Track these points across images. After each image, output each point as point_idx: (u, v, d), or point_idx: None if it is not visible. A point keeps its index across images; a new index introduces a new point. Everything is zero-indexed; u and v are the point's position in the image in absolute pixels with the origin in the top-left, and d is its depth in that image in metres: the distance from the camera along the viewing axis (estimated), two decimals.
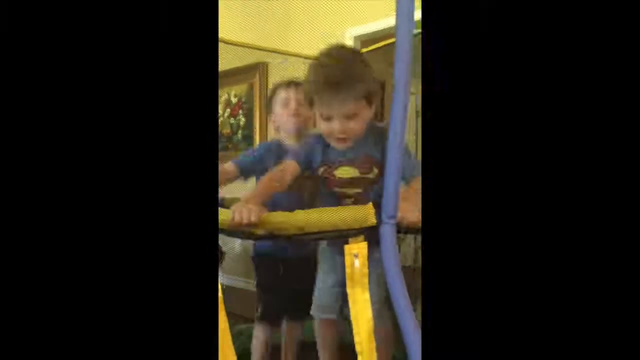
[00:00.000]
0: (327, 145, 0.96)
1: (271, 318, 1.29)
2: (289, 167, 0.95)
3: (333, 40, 2.25)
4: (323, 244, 1.11)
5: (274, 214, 0.73)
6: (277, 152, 1.20)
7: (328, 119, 0.89)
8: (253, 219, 0.70)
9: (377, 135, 0.94)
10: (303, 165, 0.97)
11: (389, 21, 2.08)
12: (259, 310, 1.28)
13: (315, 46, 2.25)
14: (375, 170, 0.94)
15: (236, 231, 0.73)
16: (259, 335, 1.28)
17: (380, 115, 2.92)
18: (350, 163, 0.95)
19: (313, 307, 1.10)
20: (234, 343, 1.26)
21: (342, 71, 0.87)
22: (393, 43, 0.70)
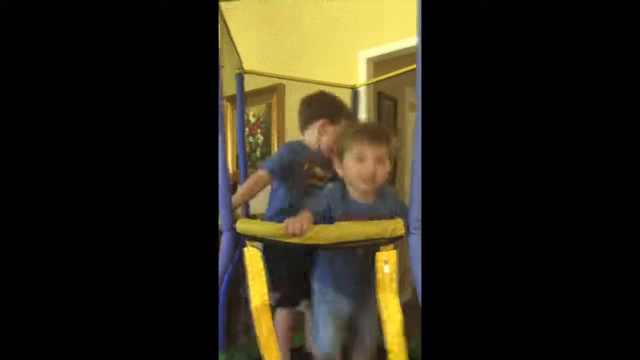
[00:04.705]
0: (345, 197, 1.08)
1: (289, 304, 1.33)
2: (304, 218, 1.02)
3: (347, 65, 2.39)
4: (316, 285, 1.17)
5: (318, 226, 0.87)
6: (302, 152, 1.28)
7: (361, 159, 1.02)
8: (304, 229, 0.84)
9: (387, 198, 1.09)
10: (317, 217, 1.01)
11: (401, 43, 2.21)
12: (277, 298, 1.29)
13: (329, 70, 2.37)
14: None
15: (285, 241, 0.86)
16: (280, 319, 1.32)
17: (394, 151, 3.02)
18: (369, 218, 1.03)
19: (315, 342, 1.16)
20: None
21: (379, 126, 1.11)
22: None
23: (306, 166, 1.28)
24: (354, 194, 1.08)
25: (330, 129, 1.27)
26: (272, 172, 1.24)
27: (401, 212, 1.08)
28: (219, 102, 0.82)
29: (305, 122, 1.34)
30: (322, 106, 1.31)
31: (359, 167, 1.03)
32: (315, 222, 1.01)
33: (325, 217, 1.05)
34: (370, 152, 1.02)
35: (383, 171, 1.04)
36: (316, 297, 1.17)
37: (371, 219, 1.03)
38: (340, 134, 1.11)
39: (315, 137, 1.29)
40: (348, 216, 1.05)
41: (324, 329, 1.14)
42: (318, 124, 1.28)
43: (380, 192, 1.09)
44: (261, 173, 1.24)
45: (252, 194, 1.28)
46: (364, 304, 1.14)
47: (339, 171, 1.11)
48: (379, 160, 1.03)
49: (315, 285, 1.18)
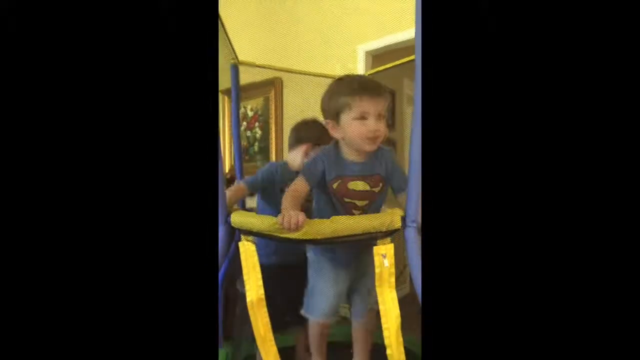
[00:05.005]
0: (340, 160, 1.03)
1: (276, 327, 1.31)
2: (298, 187, 1.00)
3: (345, 57, 2.37)
4: (312, 256, 1.13)
5: (313, 220, 0.84)
6: (283, 172, 1.30)
7: (362, 117, 0.95)
8: (300, 223, 0.81)
9: (383, 155, 1.05)
10: (312, 182, 1.02)
11: (400, 36, 2.19)
12: None
13: (327, 64, 2.36)
14: (381, 185, 1.04)
15: (281, 236, 0.84)
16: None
17: (391, 123, 3.02)
18: (363, 178, 1.02)
19: (309, 310, 1.12)
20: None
21: (373, 80, 1.03)
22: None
23: (286, 188, 1.26)
24: (347, 154, 1.03)
25: (313, 153, 1.26)
26: (249, 187, 1.28)
27: (394, 171, 1.05)
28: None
29: (291, 144, 1.35)
30: (310, 131, 1.31)
31: (363, 127, 0.95)
32: (310, 186, 1.01)
33: (316, 184, 1.02)
34: (372, 108, 0.95)
35: (384, 128, 0.98)
36: (312, 267, 1.12)
37: (365, 178, 1.02)
38: (331, 92, 1.01)
39: (299, 159, 1.30)
40: (343, 178, 1.02)
41: (319, 298, 1.10)
42: (303, 147, 1.29)
43: (376, 151, 1.03)
44: (241, 185, 1.27)
45: (232, 202, 1.29)
46: (362, 268, 1.10)
47: (335, 134, 1.03)
48: (379, 117, 0.97)
49: (311, 255, 1.13)
